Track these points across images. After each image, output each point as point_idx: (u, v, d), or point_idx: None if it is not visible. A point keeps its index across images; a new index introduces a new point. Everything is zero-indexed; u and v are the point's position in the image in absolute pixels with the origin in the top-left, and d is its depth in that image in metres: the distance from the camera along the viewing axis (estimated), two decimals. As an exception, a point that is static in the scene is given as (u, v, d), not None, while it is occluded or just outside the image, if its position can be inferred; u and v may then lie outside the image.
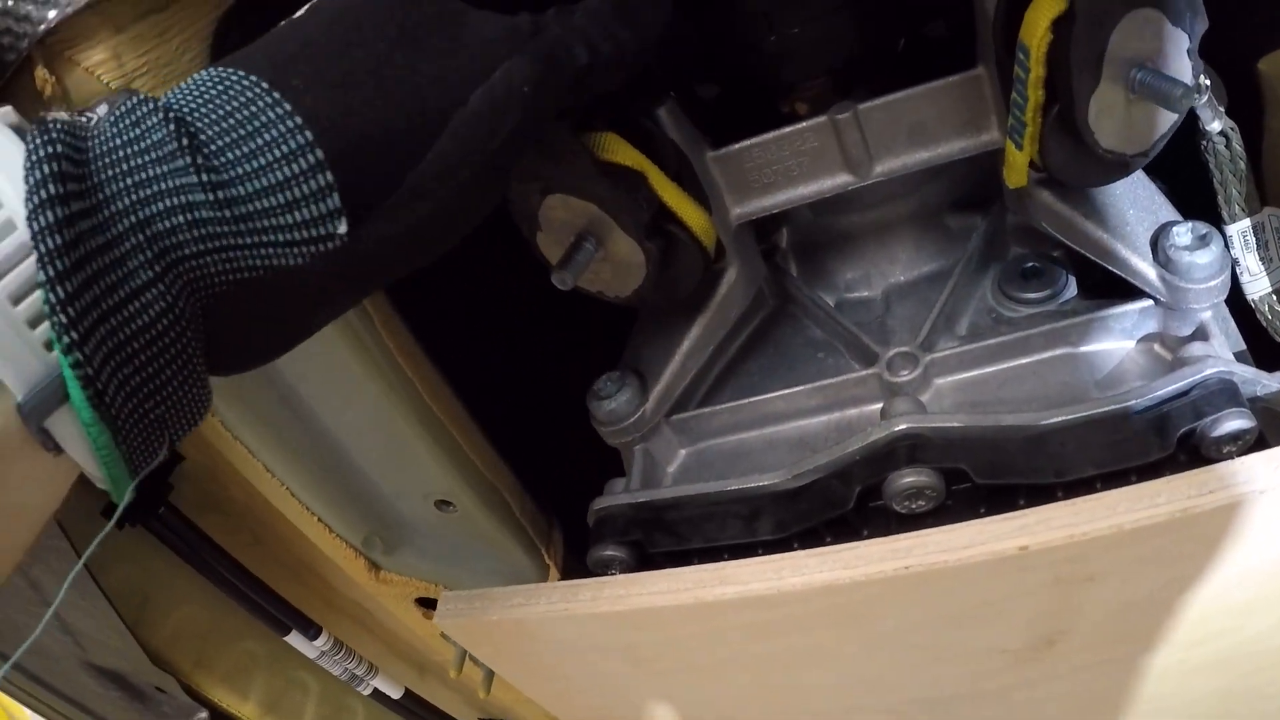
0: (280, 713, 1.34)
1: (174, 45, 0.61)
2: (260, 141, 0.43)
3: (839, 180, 0.75)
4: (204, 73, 0.45)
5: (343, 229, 0.44)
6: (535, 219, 0.71)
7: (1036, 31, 0.60)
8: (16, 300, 0.39)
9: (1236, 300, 0.73)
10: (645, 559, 0.76)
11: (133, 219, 0.40)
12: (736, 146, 0.74)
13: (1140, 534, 0.57)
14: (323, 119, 0.44)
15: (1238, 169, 0.71)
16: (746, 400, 0.80)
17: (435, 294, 0.82)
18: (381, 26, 0.48)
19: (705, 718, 0.84)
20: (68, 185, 0.39)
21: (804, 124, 0.73)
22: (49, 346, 0.39)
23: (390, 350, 0.81)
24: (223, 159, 0.42)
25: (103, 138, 0.42)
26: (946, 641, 0.69)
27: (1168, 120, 0.66)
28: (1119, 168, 0.67)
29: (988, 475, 0.66)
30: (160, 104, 0.43)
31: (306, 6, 0.49)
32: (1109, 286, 0.73)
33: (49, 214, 0.38)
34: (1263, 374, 0.66)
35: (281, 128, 0.43)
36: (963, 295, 0.80)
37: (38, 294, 0.39)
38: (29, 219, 0.38)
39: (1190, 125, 0.69)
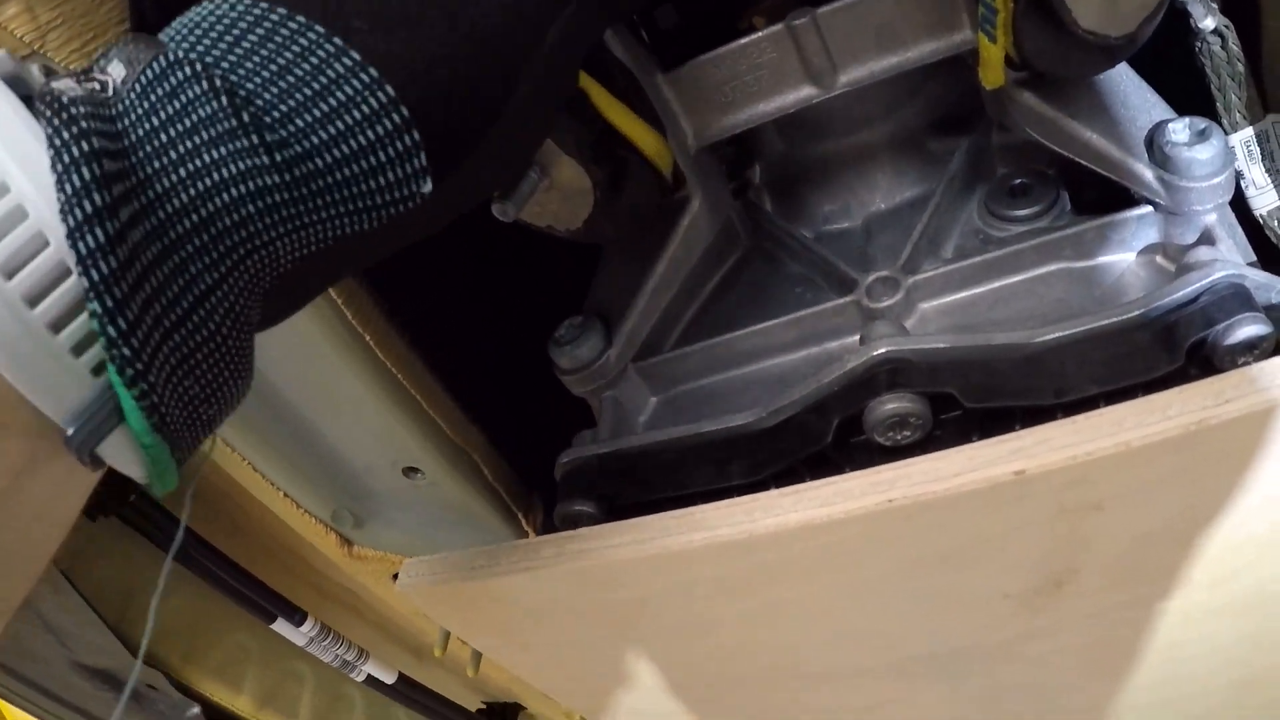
0: (276, 705, 1.30)
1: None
2: (334, 103, 0.36)
3: (802, 93, 0.69)
4: (231, 10, 0.38)
5: (428, 188, 0.40)
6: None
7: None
8: (57, 328, 0.32)
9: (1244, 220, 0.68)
10: (616, 513, 0.69)
11: (195, 218, 0.34)
12: (690, 64, 0.68)
13: (1150, 452, 0.51)
14: (398, 69, 0.38)
15: (1235, 72, 0.66)
16: (718, 339, 0.74)
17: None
18: None
19: (690, 684, 0.77)
20: (113, 191, 0.32)
21: (760, 33, 0.67)
22: (95, 370, 0.33)
23: (343, 310, 0.74)
24: (292, 128, 0.36)
25: (136, 116, 0.34)
26: (942, 587, 0.62)
27: (1154, -3, 0.59)
28: (1103, 54, 0.60)
29: (978, 399, 0.59)
30: (198, 66, 0.35)
31: None
32: (1106, 203, 0.67)
33: (98, 233, 0.31)
34: (1277, 279, 0.59)
35: (355, 84, 0.37)
36: (947, 217, 0.73)
37: (65, 305, 0.32)
38: (70, 236, 0.31)
39: (1184, 30, 0.64)
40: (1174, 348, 0.57)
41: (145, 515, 1.05)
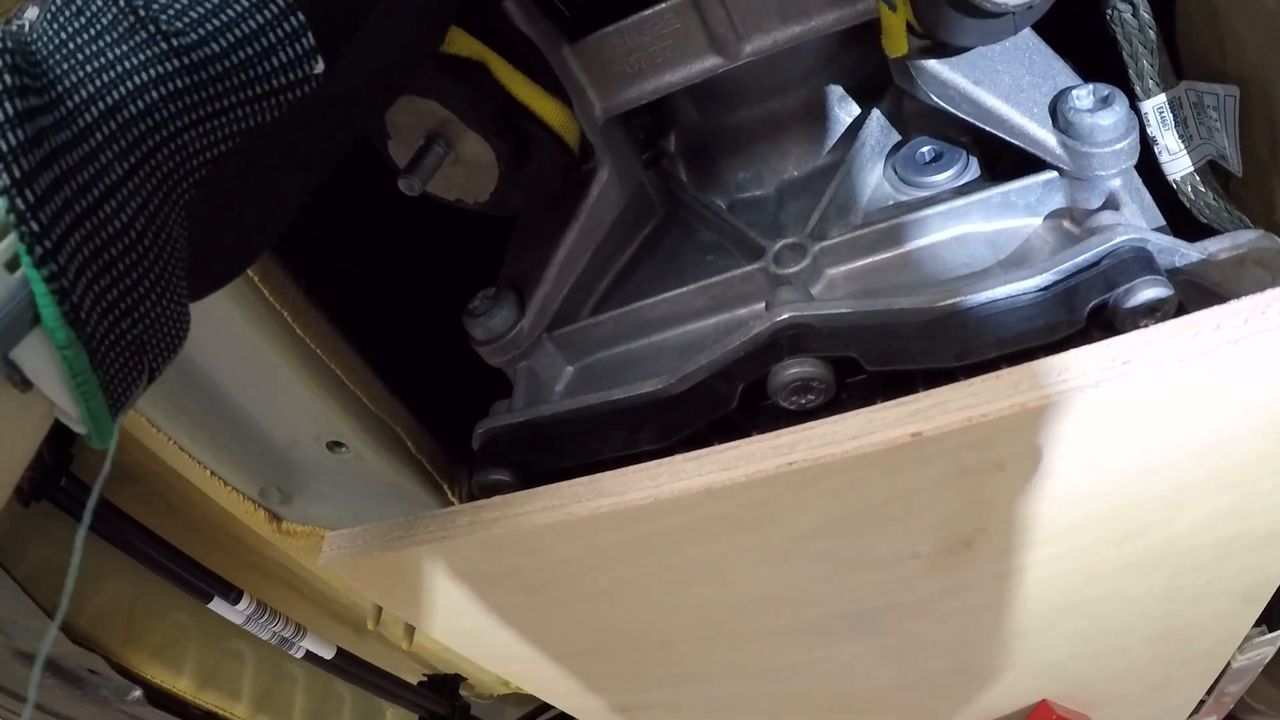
0: (216, 684, 1.28)
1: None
2: None
3: (707, 63, 0.68)
4: None
5: (319, 68, 0.41)
6: (384, 125, 0.64)
7: None
8: None
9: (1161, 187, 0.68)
10: (532, 481, 0.68)
11: (101, 106, 0.35)
12: (595, 35, 0.67)
13: (1047, 413, 0.50)
14: None
15: (1147, 39, 0.66)
16: (629, 307, 0.73)
17: (300, 222, 0.75)
18: None
19: (612, 647, 0.76)
20: (23, 79, 0.33)
21: (664, 4, 0.65)
22: (9, 266, 0.32)
23: (259, 286, 0.73)
24: (185, 21, 0.37)
25: (47, 36, 0.36)
26: (850, 548, 0.62)
27: (1055, -36, 0.58)
28: (1002, 22, 0.59)
29: (880, 362, 0.58)
30: None
31: None
32: (1021, 170, 0.66)
33: (6, 107, 0.32)
34: (1181, 243, 0.59)
35: None
36: (857, 183, 0.73)
37: None
38: None
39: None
40: (1074, 311, 0.56)
41: (78, 499, 1.02)
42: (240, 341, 0.76)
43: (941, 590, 0.67)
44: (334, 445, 0.85)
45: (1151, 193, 0.66)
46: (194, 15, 0.38)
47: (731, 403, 0.61)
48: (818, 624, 0.72)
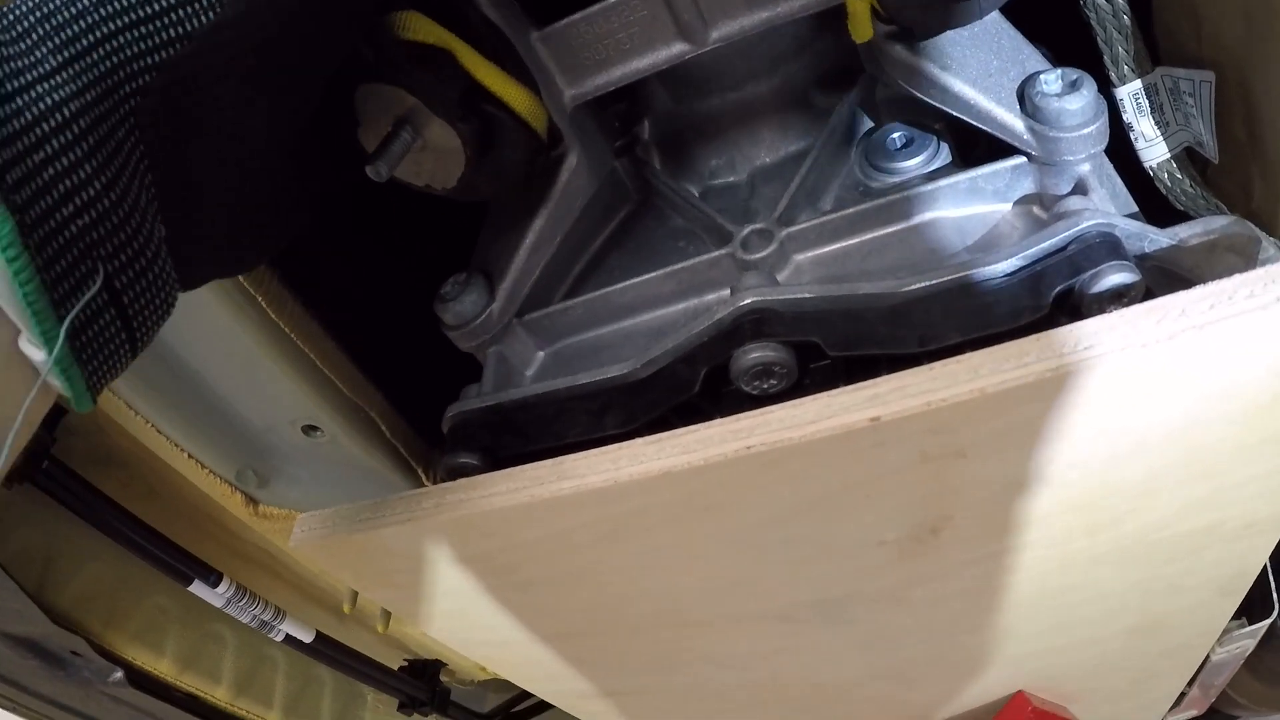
0: (197, 667, 1.28)
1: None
2: None
3: (675, 50, 0.67)
4: None
5: None
6: (352, 110, 0.63)
7: None
8: None
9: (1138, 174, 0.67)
10: (501, 465, 0.68)
11: (39, 13, 0.38)
12: (563, 23, 0.67)
13: (1008, 398, 0.49)
14: None
15: (1122, 25, 0.65)
16: (599, 292, 0.73)
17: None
18: None
19: (579, 632, 0.76)
20: None
21: None
22: None
23: (234, 272, 0.73)
24: None
25: None
26: (815, 534, 0.61)
27: (1017, -55, 0.58)
28: (967, 7, 0.58)
29: (842, 347, 0.58)
30: None
31: None
32: (993, 156, 0.66)
33: None
34: (1150, 228, 0.58)
35: None
36: (827, 170, 0.72)
37: None
38: None
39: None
40: (1039, 296, 0.56)
41: (60, 482, 1.02)
42: (217, 328, 0.76)
43: (910, 578, 0.66)
44: (310, 429, 0.85)
45: (1128, 180, 0.65)
46: None
47: (694, 387, 0.61)
48: (785, 611, 0.72)
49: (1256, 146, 0.63)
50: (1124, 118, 0.67)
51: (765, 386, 0.60)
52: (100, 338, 0.39)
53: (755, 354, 0.59)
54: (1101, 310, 0.54)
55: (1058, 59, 0.72)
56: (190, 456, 0.90)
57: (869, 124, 0.75)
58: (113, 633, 1.21)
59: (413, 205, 0.74)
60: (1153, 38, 0.68)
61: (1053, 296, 0.56)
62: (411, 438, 0.90)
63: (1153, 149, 0.68)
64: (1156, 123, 0.67)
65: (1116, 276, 0.54)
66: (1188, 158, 0.68)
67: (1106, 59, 0.66)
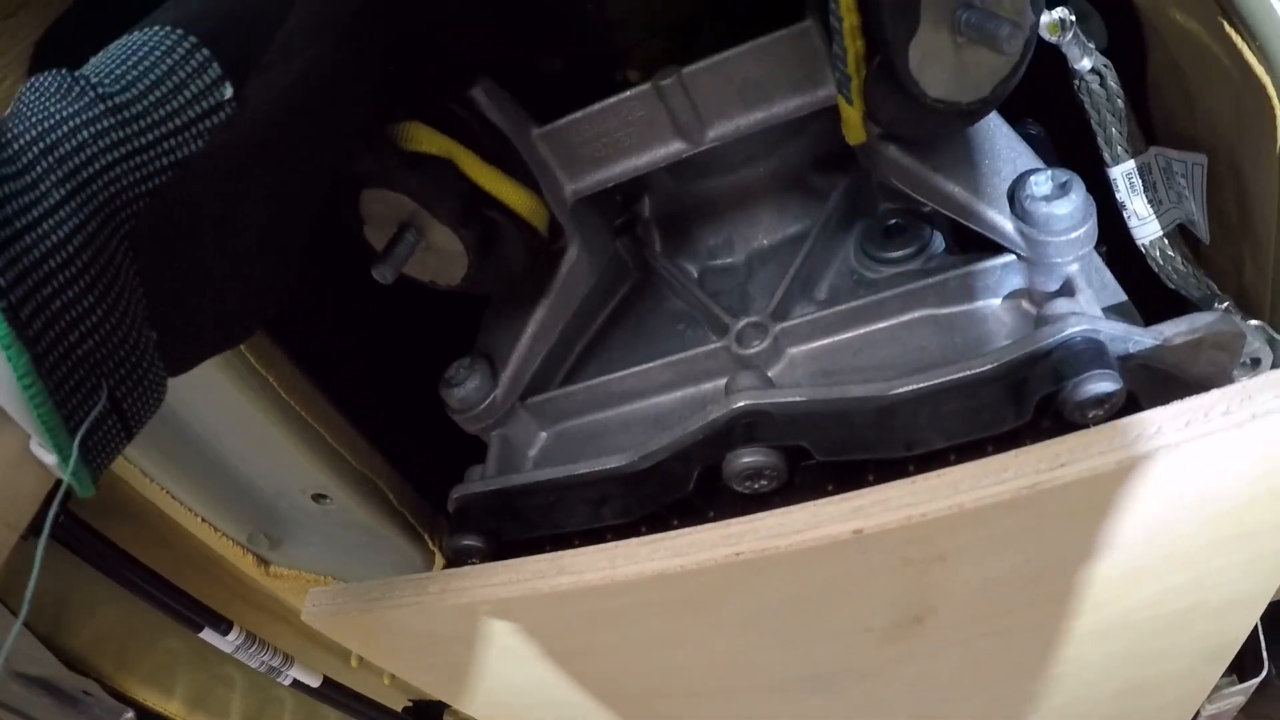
0: (206, 708, 1.29)
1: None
2: (140, 53, 0.44)
3: (672, 148, 0.69)
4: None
5: (229, 93, 0.46)
6: (358, 212, 0.66)
7: (842, -26, 0.53)
8: None
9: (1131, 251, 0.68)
10: (504, 547, 0.70)
11: (41, 146, 0.39)
12: (563, 121, 0.68)
13: (985, 513, 0.51)
14: (186, 17, 0.46)
15: (1115, 108, 0.66)
16: (599, 379, 0.74)
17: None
18: None
19: (579, 700, 0.78)
20: None
21: (629, 93, 0.67)
22: None
23: (245, 355, 0.75)
24: (113, 75, 0.43)
25: (11, 111, 0.41)
26: (803, 624, 0.64)
27: (1007, 64, 0.59)
28: (957, 117, 0.60)
29: (831, 452, 0.59)
30: (61, 71, 0.43)
31: None
32: (987, 241, 0.66)
33: None
34: (1134, 329, 0.59)
35: (154, 36, 0.45)
36: (822, 257, 0.74)
37: None
38: None
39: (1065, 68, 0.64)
40: (1022, 403, 0.56)
41: (74, 533, 1.05)
42: (231, 404, 0.78)
43: (896, 657, 0.68)
44: (319, 497, 0.86)
45: (1121, 256, 0.66)
46: (119, 70, 0.43)
47: (688, 485, 0.62)
48: (777, 684, 0.74)
49: (1246, 226, 0.64)
50: (1117, 196, 0.68)
51: (756, 486, 0.61)
52: (104, 439, 0.42)
53: (747, 459, 0.60)
54: (1084, 416, 0.55)
55: (1051, 134, 0.74)
56: (203, 520, 0.91)
57: (864, 208, 0.76)
58: (124, 675, 1.24)
59: (418, 288, 0.76)
60: (1149, 115, 0.69)
61: (1035, 404, 0.56)
62: (417, 504, 0.92)
63: (1145, 227, 0.69)
64: (1149, 200, 0.68)
65: (1098, 385, 0.54)
66: (1180, 235, 0.69)
67: (1100, 140, 0.67)
